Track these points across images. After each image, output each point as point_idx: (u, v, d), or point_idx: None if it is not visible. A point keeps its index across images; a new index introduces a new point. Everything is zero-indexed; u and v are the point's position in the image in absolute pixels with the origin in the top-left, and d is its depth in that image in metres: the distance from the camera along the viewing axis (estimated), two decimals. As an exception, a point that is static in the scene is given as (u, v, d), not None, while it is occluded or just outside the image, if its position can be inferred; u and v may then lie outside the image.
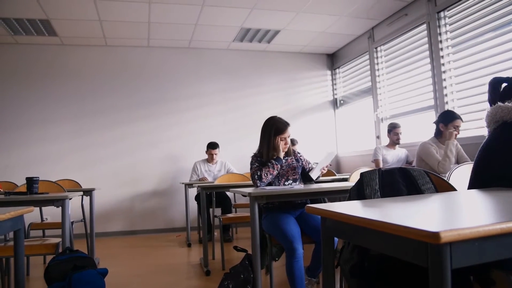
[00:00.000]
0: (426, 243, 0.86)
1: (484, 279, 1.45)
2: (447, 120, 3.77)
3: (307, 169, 3.04)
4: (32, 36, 5.56)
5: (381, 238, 1.01)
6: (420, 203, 1.36)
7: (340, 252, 1.55)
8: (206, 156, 5.70)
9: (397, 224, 0.90)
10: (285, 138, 2.90)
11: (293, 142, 5.36)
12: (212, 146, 5.59)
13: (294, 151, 3.07)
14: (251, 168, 2.90)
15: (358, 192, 1.60)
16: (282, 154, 2.90)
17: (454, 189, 1.68)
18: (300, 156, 3.08)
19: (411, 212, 1.20)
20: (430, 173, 1.67)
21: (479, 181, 1.73)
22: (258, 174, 2.80)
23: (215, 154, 5.60)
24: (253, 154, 2.99)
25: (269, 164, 2.83)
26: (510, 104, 1.70)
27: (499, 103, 1.75)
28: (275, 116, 3.01)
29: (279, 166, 2.84)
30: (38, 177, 3.00)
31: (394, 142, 4.82)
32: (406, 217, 1.11)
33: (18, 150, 5.73)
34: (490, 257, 0.93)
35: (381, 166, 4.72)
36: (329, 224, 1.26)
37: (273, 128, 2.90)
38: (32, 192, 2.91)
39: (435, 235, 0.80)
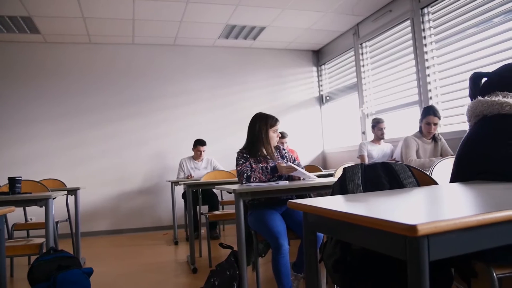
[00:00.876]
0: (404, 236, 0.87)
1: (465, 271, 1.47)
2: (422, 116, 3.89)
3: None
4: (13, 33, 5.47)
5: (361, 232, 1.01)
6: (401, 197, 1.37)
7: (323, 247, 1.55)
8: (192, 153, 5.66)
9: (376, 218, 0.91)
10: (276, 131, 2.95)
11: (283, 135, 5.36)
12: (201, 143, 5.56)
13: (279, 147, 3.08)
14: (237, 165, 2.90)
15: (341, 187, 1.60)
16: (273, 145, 2.97)
17: (436, 183, 1.70)
18: (285, 152, 3.09)
19: (392, 206, 1.21)
20: (412, 167, 1.69)
21: (461, 174, 1.75)
22: (248, 175, 2.80)
23: (204, 151, 5.57)
24: (239, 150, 2.98)
25: (264, 169, 2.82)
26: (489, 99, 1.73)
27: (479, 98, 1.78)
28: (262, 112, 3.02)
29: (271, 176, 2.84)
30: (21, 177, 2.96)
31: (378, 137, 4.86)
32: (386, 211, 1.12)
33: (1, 149, 5.64)
34: (468, 249, 0.94)
35: (366, 161, 4.76)
36: (311, 219, 1.27)
37: (265, 122, 2.93)
38: (15, 192, 2.87)
39: (412, 228, 0.81)
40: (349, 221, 1.01)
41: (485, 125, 1.74)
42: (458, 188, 1.51)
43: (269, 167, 2.84)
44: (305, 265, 1.32)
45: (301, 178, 2.89)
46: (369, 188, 1.60)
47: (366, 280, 1.35)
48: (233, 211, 4.36)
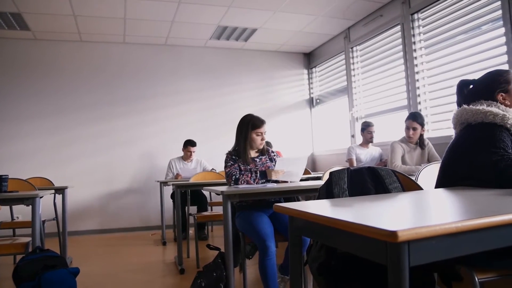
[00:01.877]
0: (385, 242, 0.89)
1: (448, 275, 1.49)
2: (405, 120, 3.94)
3: None
4: (2, 29, 5.41)
5: (345, 237, 1.03)
6: (386, 202, 1.39)
7: (308, 250, 1.57)
8: (181, 154, 5.64)
9: (359, 224, 0.92)
10: (261, 133, 2.94)
11: (268, 144, 5.38)
12: (191, 143, 5.52)
13: (268, 150, 3.09)
14: (225, 166, 2.91)
15: (327, 191, 1.62)
16: (258, 148, 2.98)
17: (421, 188, 1.73)
18: (274, 155, 3.10)
19: (375, 211, 1.23)
20: (398, 172, 1.71)
21: (446, 180, 1.78)
22: (236, 177, 2.81)
23: (193, 152, 5.54)
24: (227, 151, 2.99)
25: (253, 174, 2.83)
26: (474, 107, 1.77)
27: (464, 106, 1.82)
28: (251, 114, 3.03)
29: (260, 182, 2.85)
30: (7, 175, 2.93)
31: (367, 140, 4.90)
32: (369, 216, 1.14)
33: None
34: (448, 254, 0.96)
35: (355, 165, 4.79)
36: (297, 223, 1.28)
37: (250, 124, 2.93)
38: (1, 190, 2.84)
39: (393, 234, 0.83)
40: (333, 226, 1.03)
41: (469, 132, 1.78)
42: (442, 194, 1.54)
43: (258, 171, 2.86)
44: (290, 267, 1.33)
45: (288, 181, 2.91)
46: (355, 192, 1.62)
47: (350, 284, 1.37)
48: (222, 212, 4.38)
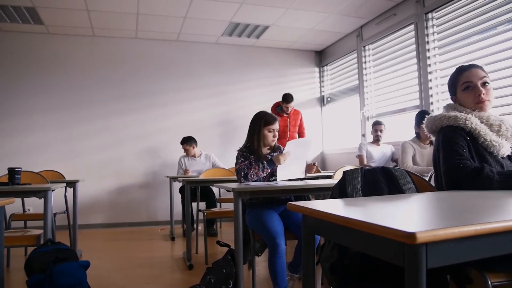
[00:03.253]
0: (403, 243, 0.88)
1: (461, 277, 1.48)
2: (418, 121, 3.89)
3: None
4: (17, 23, 5.47)
5: (361, 237, 1.02)
6: (401, 203, 1.38)
7: (321, 249, 1.56)
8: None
9: (376, 224, 0.91)
10: (273, 130, 2.92)
11: (287, 99, 5.71)
12: (184, 141, 5.53)
13: (279, 147, 3.08)
14: (236, 163, 2.91)
15: (340, 190, 1.61)
16: (270, 145, 2.95)
17: (435, 190, 1.71)
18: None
19: (391, 212, 1.22)
20: (412, 173, 1.70)
21: (440, 186, 1.80)
22: (245, 172, 2.80)
23: (186, 149, 5.52)
24: (239, 148, 2.99)
25: (260, 164, 2.82)
26: (431, 116, 1.96)
27: (430, 115, 1.98)
28: (264, 111, 3.03)
29: (269, 170, 2.84)
30: (20, 168, 2.97)
31: (373, 139, 4.88)
32: (386, 216, 1.13)
33: (0, 140, 5.64)
34: (465, 257, 0.95)
35: (365, 162, 4.77)
36: (310, 222, 1.27)
37: (263, 120, 2.93)
38: (14, 183, 2.87)
39: (412, 235, 0.82)
40: (348, 225, 1.02)
41: (436, 139, 1.89)
42: (456, 195, 1.52)
43: (265, 162, 2.84)
44: (302, 266, 1.33)
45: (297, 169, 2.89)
46: (368, 192, 1.61)
47: (363, 283, 1.36)
48: (231, 208, 4.38)
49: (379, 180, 1.65)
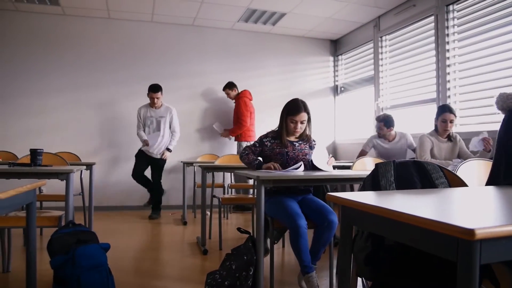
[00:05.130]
0: (456, 238, 0.88)
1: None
2: (437, 114, 3.85)
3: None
4: (33, 4, 5.45)
5: (408, 231, 1.03)
6: (441, 198, 1.38)
7: (353, 240, 1.57)
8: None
9: (431, 219, 0.92)
10: (296, 121, 2.90)
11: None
12: (153, 89, 5.36)
13: (309, 138, 3.07)
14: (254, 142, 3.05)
15: (373, 183, 1.62)
16: (293, 135, 2.98)
17: (466, 185, 1.71)
18: (315, 144, 3.08)
19: (436, 206, 1.23)
20: (444, 168, 1.70)
21: (492, 177, 1.75)
22: (246, 153, 2.98)
23: (157, 98, 5.36)
24: (272, 129, 3.06)
25: (256, 162, 2.93)
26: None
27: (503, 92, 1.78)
28: (297, 99, 3.00)
29: (254, 168, 2.93)
30: (42, 149, 2.99)
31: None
32: (436, 211, 1.14)
33: (16, 120, 5.67)
34: (513, 255, 0.96)
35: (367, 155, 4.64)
36: (350, 213, 1.28)
37: (287, 109, 2.95)
38: (36, 164, 2.90)
39: (470, 232, 0.82)
40: (397, 219, 1.03)
41: (504, 118, 1.74)
42: (493, 191, 1.52)
43: (257, 161, 2.93)
44: (339, 257, 1.34)
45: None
46: (401, 185, 1.61)
47: (397, 275, 1.37)
48: (245, 195, 4.41)
49: (412, 174, 1.65)
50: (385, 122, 4.57)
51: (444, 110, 3.84)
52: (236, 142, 6.15)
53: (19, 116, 5.68)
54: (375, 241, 1.43)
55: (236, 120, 6.02)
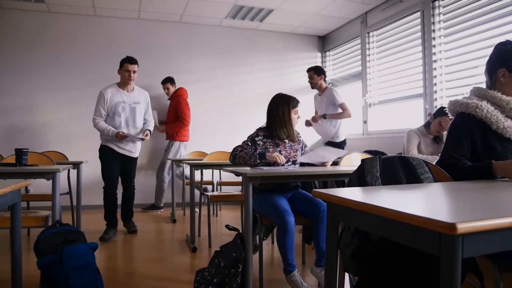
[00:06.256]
0: (439, 233, 0.89)
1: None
2: (437, 114, 3.87)
3: (303, 151, 3.07)
4: (17, 1, 5.37)
5: (392, 226, 1.04)
6: (425, 193, 1.40)
7: (339, 236, 1.58)
8: (118, 80, 4.23)
9: (414, 214, 0.93)
10: (297, 112, 2.96)
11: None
12: (130, 59, 4.18)
13: (298, 133, 3.09)
14: (245, 140, 2.94)
15: (359, 178, 1.62)
16: (294, 126, 2.98)
17: (451, 180, 1.73)
18: (299, 136, 3.10)
19: (420, 201, 1.24)
20: (429, 163, 1.71)
21: None
22: (236, 152, 2.84)
23: (134, 72, 4.14)
24: (257, 128, 3.00)
25: (254, 156, 2.80)
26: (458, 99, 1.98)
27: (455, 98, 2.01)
28: (282, 93, 3.03)
29: (257, 161, 2.81)
30: (28, 149, 2.95)
31: None
32: (418, 206, 1.16)
33: (1, 119, 5.59)
34: (496, 248, 0.97)
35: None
36: (336, 210, 1.29)
37: (287, 103, 2.94)
38: (21, 164, 2.86)
39: (452, 226, 0.83)
40: (382, 215, 1.03)
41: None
42: (477, 186, 1.54)
43: (258, 151, 2.84)
44: (326, 253, 1.35)
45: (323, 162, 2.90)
46: (386, 181, 1.62)
47: (383, 269, 1.39)
48: (233, 192, 4.41)
49: (397, 169, 1.66)
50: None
51: (446, 114, 3.84)
52: (168, 140, 5.81)
53: (4, 115, 5.60)
54: (361, 237, 1.44)
55: (174, 118, 5.70)
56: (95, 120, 4.09)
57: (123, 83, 4.16)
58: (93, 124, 4.10)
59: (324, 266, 2.53)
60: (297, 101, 2.98)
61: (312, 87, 5.41)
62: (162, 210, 5.78)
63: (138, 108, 4.18)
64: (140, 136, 4.19)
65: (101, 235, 4.04)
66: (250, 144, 2.90)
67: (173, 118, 5.74)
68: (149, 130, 4.26)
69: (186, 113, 5.66)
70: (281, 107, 2.93)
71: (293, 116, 2.94)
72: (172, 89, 5.89)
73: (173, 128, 5.69)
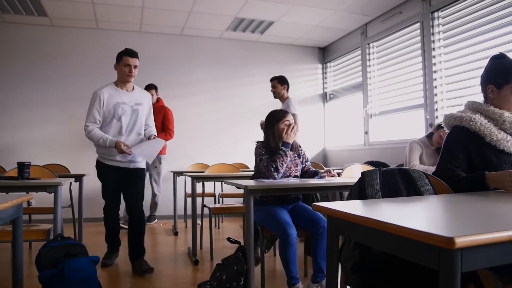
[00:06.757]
0: (438, 247, 0.89)
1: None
2: (439, 125, 3.88)
3: (304, 166, 3.08)
4: (20, 15, 5.43)
5: (393, 240, 1.04)
6: (425, 206, 1.40)
7: (340, 249, 1.58)
8: (116, 79, 3.61)
9: (413, 229, 0.93)
10: (288, 121, 2.94)
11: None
12: (130, 52, 3.59)
13: (297, 147, 3.09)
14: (260, 160, 2.88)
15: (360, 192, 1.63)
16: (290, 139, 2.92)
17: (451, 192, 1.73)
18: (301, 149, 3.11)
19: (420, 215, 1.24)
20: (429, 175, 1.72)
21: None
22: (274, 166, 2.80)
23: (135, 67, 3.52)
24: (257, 143, 3.00)
25: (281, 153, 2.83)
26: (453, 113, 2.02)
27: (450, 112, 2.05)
28: (273, 110, 3.08)
29: (290, 152, 2.87)
30: (30, 162, 2.96)
31: None
32: (417, 220, 1.15)
33: (3, 132, 5.62)
34: (495, 262, 0.97)
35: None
36: (336, 223, 1.29)
37: (272, 118, 2.97)
38: (24, 177, 2.87)
39: (450, 240, 0.83)
40: (381, 228, 1.04)
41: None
42: (478, 198, 1.54)
43: (283, 148, 2.85)
44: (326, 266, 1.35)
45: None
46: (387, 193, 1.62)
47: (384, 283, 1.38)
48: (235, 204, 4.41)
49: (397, 181, 1.66)
50: None
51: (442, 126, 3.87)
52: None
53: (6, 129, 5.63)
54: (362, 250, 1.44)
55: (159, 129, 5.05)
56: (87, 127, 3.34)
57: (122, 81, 3.49)
58: (85, 133, 3.36)
59: (321, 282, 2.54)
60: (284, 112, 3.00)
61: (275, 97, 5.29)
62: (156, 221, 5.76)
63: (141, 110, 3.47)
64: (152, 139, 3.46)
65: (102, 258, 3.54)
66: (266, 156, 2.90)
67: (159, 128, 5.09)
68: (155, 135, 3.56)
69: (173, 125, 5.49)
70: (270, 123, 2.98)
71: (281, 126, 2.93)
72: (155, 97, 5.57)
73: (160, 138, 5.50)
